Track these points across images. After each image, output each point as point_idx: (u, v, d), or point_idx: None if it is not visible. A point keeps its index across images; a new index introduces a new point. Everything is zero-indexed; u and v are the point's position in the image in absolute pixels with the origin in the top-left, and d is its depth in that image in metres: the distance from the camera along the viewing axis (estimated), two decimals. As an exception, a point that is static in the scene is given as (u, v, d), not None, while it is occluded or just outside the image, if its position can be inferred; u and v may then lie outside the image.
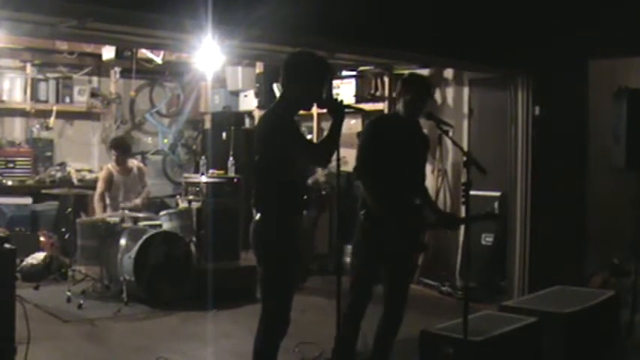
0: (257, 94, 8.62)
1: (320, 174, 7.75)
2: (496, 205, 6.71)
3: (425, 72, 7.56)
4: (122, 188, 6.99)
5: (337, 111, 3.51)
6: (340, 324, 4.03)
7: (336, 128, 3.51)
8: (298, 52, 3.92)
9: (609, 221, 6.42)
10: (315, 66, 3.62)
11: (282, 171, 3.49)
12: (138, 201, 7.02)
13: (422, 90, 4.22)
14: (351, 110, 4.49)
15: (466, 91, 7.28)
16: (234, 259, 6.69)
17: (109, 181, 6.97)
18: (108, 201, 6.97)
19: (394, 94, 7.65)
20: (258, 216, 3.56)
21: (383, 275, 4.17)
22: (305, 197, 3.67)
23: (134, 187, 7.09)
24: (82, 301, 5.93)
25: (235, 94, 9.21)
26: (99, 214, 6.85)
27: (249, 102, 8.93)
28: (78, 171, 8.41)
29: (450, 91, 7.46)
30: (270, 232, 3.52)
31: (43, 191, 7.34)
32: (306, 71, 3.57)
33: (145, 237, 6.10)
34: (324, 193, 6.62)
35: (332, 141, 3.51)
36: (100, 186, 6.99)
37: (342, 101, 3.57)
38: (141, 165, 7.42)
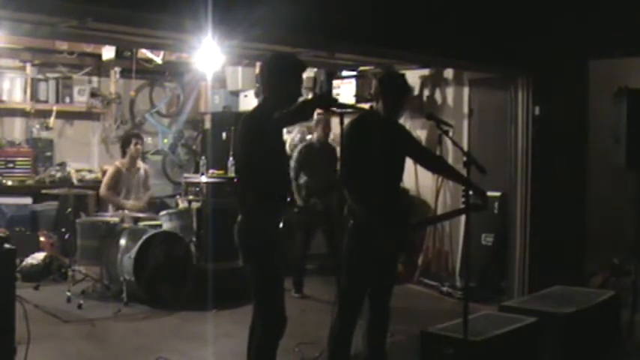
0: (257, 94, 8.61)
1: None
2: (496, 205, 6.71)
3: (425, 72, 7.59)
4: (127, 187, 7.02)
5: (325, 101, 3.52)
6: (333, 332, 4.05)
7: (306, 103, 3.53)
8: (271, 55, 3.95)
9: (609, 221, 6.42)
10: (288, 66, 3.66)
11: (262, 173, 3.50)
12: (142, 204, 7.06)
13: (402, 89, 4.19)
14: (351, 110, 4.48)
15: (466, 91, 7.28)
16: (234, 259, 6.62)
17: (117, 179, 6.96)
18: (120, 197, 7.02)
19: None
20: (240, 217, 3.58)
21: (371, 272, 4.16)
22: (286, 198, 3.68)
23: (138, 188, 7.12)
24: (82, 301, 5.94)
25: (235, 94, 9.21)
26: (124, 204, 6.86)
27: (249, 102, 8.92)
28: (78, 171, 8.41)
29: (450, 91, 7.46)
30: (251, 233, 3.54)
31: (43, 191, 7.33)
32: (281, 72, 3.61)
33: (145, 237, 6.10)
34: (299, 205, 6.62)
35: (297, 110, 3.50)
36: (106, 183, 6.96)
37: (335, 99, 3.56)
38: (147, 167, 7.45)
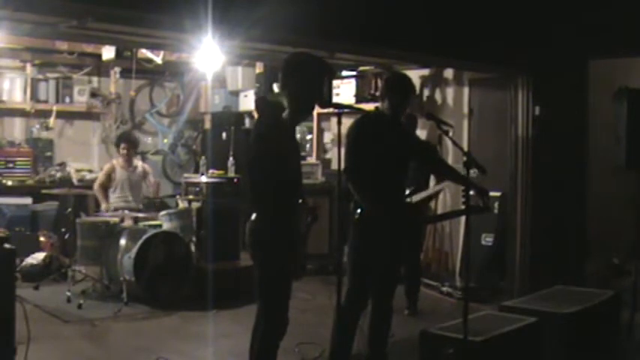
0: (257, 94, 8.62)
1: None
2: (496, 205, 6.71)
3: (425, 72, 7.59)
4: (126, 184, 7.06)
5: None
6: (335, 331, 4.06)
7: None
8: (296, 52, 3.93)
9: (609, 221, 6.42)
10: (314, 64, 3.62)
11: (277, 171, 3.49)
12: (150, 192, 7.28)
13: (408, 90, 4.28)
14: (351, 110, 4.49)
15: (466, 91, 7.28)
16: (234, 259, 6.69)
17: (109, 174, 7.13)
18: (116, 194, 7.08)
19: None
20: (253, 216, 3.56)
21: (374, 271, 4.17)
22: (300, 198, 3.66)
23: (138, 185, 7.17)
24: (82, 301, 5.93)
25: (235, 94, 9.21)
26: (102, 203, 7.07)
27: (249, 102, 8.93)
28: (78, 171, 8.40)
29: (450, 91, 7.46)
30: (265, 233, 3.51)
31: (43, 191, 7.33)
32: (306, 70, 3.56)
33: (145, 237, 6.10)
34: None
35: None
36: (99, 177, 7.21)
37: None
38: (146, 166, 7.49)
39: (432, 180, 6.34)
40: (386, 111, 4.20)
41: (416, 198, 5.74)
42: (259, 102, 3.85)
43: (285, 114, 3.54)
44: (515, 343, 4.06)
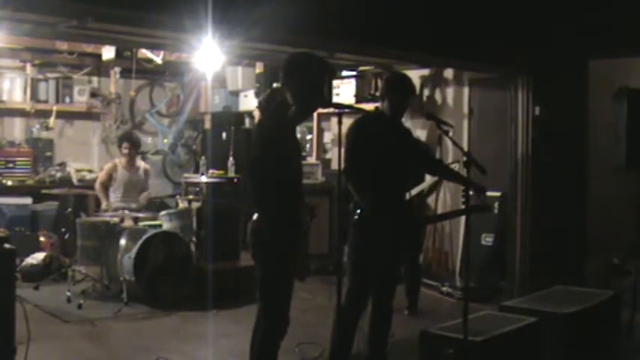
0: (257, 94, 8.61)
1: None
2: (496, 205, 6.71)
3: (425, 72, 7.59)
4: (126, 185, 7.06)
5: None
6: (335, 331, 4.06)
7: None
8: (297, 52, 3.93)
9: (609, 221, 6.42)
10: (315, 64, 3.62)
11: (278, 171, 3.48)
12: (142, 201, 7.15)
13: (408, 90, 4.29)
14: (351, 110, 4.49)
15: (466, 91, 7.27)
16: (234, 259, 6.69)
17: (110, 173, 7.13)
18: (117, 194, 7.07)
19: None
20: (255, 216, 3.56)
21: (374, 271, 4.18)
22: (301, 198, 3.66)
23: (138, 186, 7.16)
24: (82, 301, 5.94)
25: (235, 94, 9.21)
26: (102, 201, 7.06)
27: (249, 102, 8.93)
28: (78, 171, 8.40)
29: (450, 91, 7.46)
30: (266, 233, 3.51)
31: (43, 191, 7.33)
32: (307, 70, 3.55)
33: (145, 237, 6.10)
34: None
35: None
36: (100, 175, 7.22)
37: None
38: (148, 167, 7.49)
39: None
40: (386, 111, 4.21)
41: (414, 192, 5.76)
42: (262, 102, 3.85)
43: (290, 111, 3.53)
44: (515, 343, 4.07)
